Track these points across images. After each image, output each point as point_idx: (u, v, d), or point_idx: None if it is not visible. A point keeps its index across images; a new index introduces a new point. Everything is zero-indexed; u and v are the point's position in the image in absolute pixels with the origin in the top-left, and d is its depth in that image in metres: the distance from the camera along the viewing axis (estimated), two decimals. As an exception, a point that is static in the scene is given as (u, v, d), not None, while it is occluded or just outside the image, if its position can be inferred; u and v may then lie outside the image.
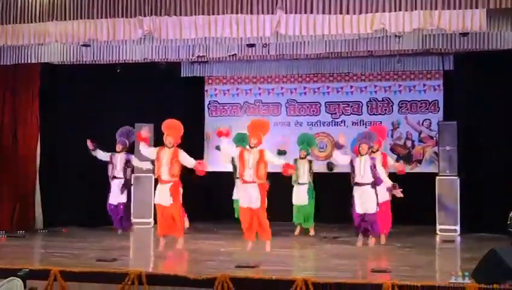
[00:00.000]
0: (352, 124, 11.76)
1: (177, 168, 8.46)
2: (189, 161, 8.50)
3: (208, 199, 11.68)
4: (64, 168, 11.01)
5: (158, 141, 9.16)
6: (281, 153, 10.09)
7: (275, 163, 8.42)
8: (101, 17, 7.48)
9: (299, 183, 10.10)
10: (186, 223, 8.89)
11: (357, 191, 8.83)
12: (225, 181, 10.47)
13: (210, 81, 12.50)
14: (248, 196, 8.19)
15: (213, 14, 7.25)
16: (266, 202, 8.25)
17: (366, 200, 8.74)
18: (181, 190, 8.57)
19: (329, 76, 11.97)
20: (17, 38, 8.04)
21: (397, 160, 10.74)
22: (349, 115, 11.80)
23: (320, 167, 10.47)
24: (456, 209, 10.13)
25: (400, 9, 6.92)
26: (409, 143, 11.56)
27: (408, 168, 10.28)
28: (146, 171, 10.81)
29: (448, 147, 10.29)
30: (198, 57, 9.91)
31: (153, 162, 8.99)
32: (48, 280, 6.54)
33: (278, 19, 7.32)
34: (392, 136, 11.51)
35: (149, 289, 6.43)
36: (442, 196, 10.23)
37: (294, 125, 11.96)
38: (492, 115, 10.25)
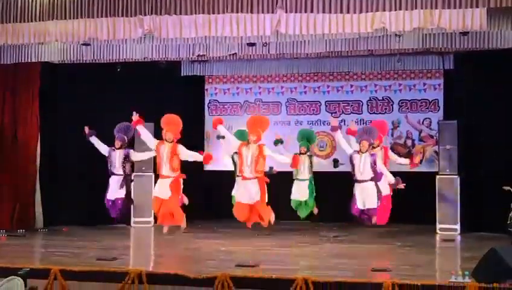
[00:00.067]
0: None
1: (176, 163, 8.57)
2: (190, 155, 8.56)
3: (208, 198, 11.67)
4: (64, 167, 11.01)
5: (158, 138, 9.19)
6: (278, 142, 10.08)
7: (275, 158, 8.45)
8: (101, 16, 7.48)
9: (299, 180, 10.09)
10: (184, 224, 8.94)
11: (357, 188, 8.86)
12: (225, 180, 10.47)
13: (210, 80, 12.50)
14: (248, 192, 8.23)
15: (213, 13, 7.25)
16: (266, 195, 8.27)
17: (367, 197, 8.77)
18: (181, 184, 8.65)
19: (330, 75, 11.97)
20: (17, 37, 8.04)
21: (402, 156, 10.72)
22: (350, 114, 11.79)
23: (320, 166, 10.44)
24: (456, 209, 10.13)
25: (400, 9, 6.92)
26: (409, 142, 11.55)
27: (408, 168, 10.27)
28: (146, 171, 10.84)
29: (448, 146, 10.29)
30: (198, 56, 9.91)
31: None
32: (48, 279, 6.55)
33: (278, 18, 7.32)
34: (392, 135, 11.50)
35: (149, 288, 6.44)
36: (442, 195, 10.23)
37: (294, 124, 11.95)
38: (493, 114, 10.24)
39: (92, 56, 9.70)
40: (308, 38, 8.56)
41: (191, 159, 8.80)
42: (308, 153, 10.15)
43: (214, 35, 7.82)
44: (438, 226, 10.19)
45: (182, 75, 12.15)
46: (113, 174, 9.46)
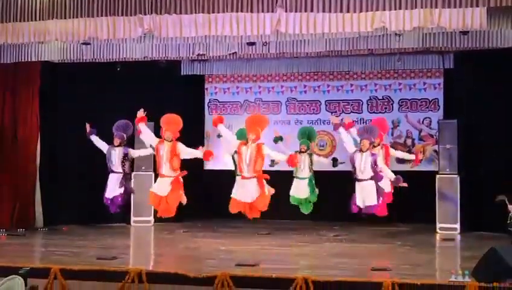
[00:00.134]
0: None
1: (176, 163, 8.59)
2: (190, 152, 8.57)
3: (208, 197, 11.67)
4: (64, 167, 11.01)
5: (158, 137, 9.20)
6: (277, 139, 10.07)
7: (273, 157, 8.45)
8: (101, 16, 7.47)
9: (299, 178, 10.07)
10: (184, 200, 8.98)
11: (357, 187, 8.85)
12: (225, 179, 10.45)
13: (210, 79, 12.49)
14: (246, 192, 8.22)
15: (213, 12, 7.24)
16: (267, 190, 8.26)
17: (367, 195, 8.77)
18: (182, 182, 8.66)
19: (330, 74, 11.97)
20: (17, 36, 8.04)
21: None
22: (350, 113, 11.77)
23: (320, 166, 10.44)
24: (456, 208, 10.13)
25: (400, 8, 6.91)
26: (409, 141, 11.55)
27: (408, 167, 10.28)
28: (146, 170, 10.84)
29: (448, 145, 10.29)
30: (198, 55, 9.91)
31: (151, 146, 9.08)
32: (48, 279, 6.55)
33: (278, 17, 7.32)
34: (392, 134, 11.50)
35: (149, 287, 6.44)
36: (442, 194, 10.23)
37: (294, 123, 11.95)
38: (493, 113, 10.24)
39: (92, 55, 9.70)
40: (308, 37, 8.56)
41: (191, 157, 8.82)
42: (308, 152, 10.13)
43: (214, 34, 7.82)
44: (438, 225, 10.19)
45: (182, 74, 12.15)
46: (113, 172, 9.32)
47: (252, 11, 7.17)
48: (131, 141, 9.95)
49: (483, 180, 10.24)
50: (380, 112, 11.62)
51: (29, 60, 9.51)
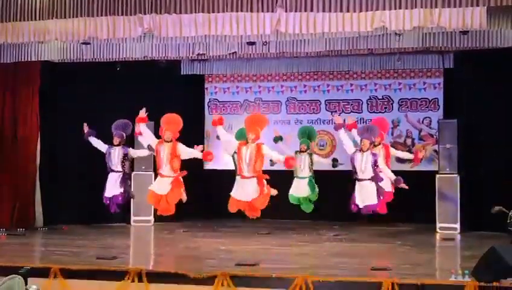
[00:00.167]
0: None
1: (177, 164, 8.59)
2: (190, 152, 8.57)
3: (208, 197, 11.67)
4: (64, 166, 11.01)
5: (158, 137, 9.19)
6: (277, 139, 10.06)
7: (272, 158, 8.44)
8: (101, 15, 7.47)
9: (299, 177, 10.07)
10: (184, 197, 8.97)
11: (357, 187, 8.85)
12: (225, 179, 10.45)
13: (210, 79, 12.49)
14: (246, 191, 8.21)
15: (213, 12, 7.24)
16: (265, 188, 8.25)
17: (367, 195, 8.76)
18: (182, 181, 8.66)
19: (330, 74, 11.96)
20: (17, 36, 8.03)
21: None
22: (349, 113, 11.76)
23: (320, 165, 10.44)
24: (456, 207, 10.13)
25: (400, 7, 6.91)
26: (409, 141, 11.55)
27: (408, 167, 10.28)
28: (146, 169, 10.84)
29: (448, 145, 10.29)
30: (198, 55, 9.91)
31: (149, 147, 9.09)
32: (48, 278, 6.55)
33: (278, 17, 7.32)
34: (392, 134, 11.49)
35: (149, 287, 6.44)
36: (442, 194, 10.23)
37: (294, 123, 11.95)
38: (493, 112, 10.24)
39: (92, 55, 9.70)
40: (308, 37, 8.56)
41: (191, 157, 8.82)
42: (308, 151, 10.13)
43: (213, 34, 7.82)
44: (438, 225, 10.19)
45: (182, 74, 12.15)
46: (112, 171, 9.27)
47: (251, 11, 7.17)
48: (131, 141, 9.94)
49: (483, 180, 10.24)
50: (379, 112, 11.61)
51: (29, 59, 9.52)
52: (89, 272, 6.69)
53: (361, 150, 8.82)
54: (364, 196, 8.76)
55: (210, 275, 6.35)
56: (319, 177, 10.22)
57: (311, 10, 7.07)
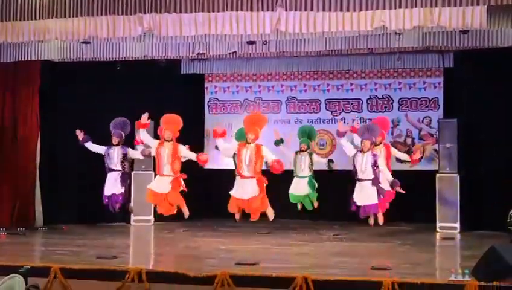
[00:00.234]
0: (353, 122, 11.67)
1: (178, 165, 8.56)
2: (190, 155, 8.56)
3: (208, 196, 11.67)
4: (64, 166, 11.01)
5: (157, 137, 9.18)
6: (279, 142, 10.06)
7: (269, 160, 8.39)
8: (101, 14, 7.46)
9: (299, 177, 10.07)
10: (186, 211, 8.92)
11: (357, 186, 8.84)
12: (225, 178, 10.45)
13: (210, 78, 12.49)
14: (245, 190, 8.19)
15: (213, 11, 7.24)
16: (264, 193, 8.23)
17: (367, 195, 8.75)
18: (182, 183, 8.62)
19: (329, 73, 11.96)
20: (17, 35, 8.03)
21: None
22: (349, 112, 11.79)
23: (320, 165, 10.44)
24: (456, 207, 10.13)
25: (400, 7, 6.91)
26: (409, 140, 11.55)
27: (408, 166, 10.28)
28: (146, 169, 10.84)
29: (448, 144, 10.29)
30: (198, 54, 9.91)
31: (144, 151, 9.03)
32: (48, 277, 6.55)
33: (278, 16, 7.32)
34: (392, 133, 11.48)
35: (149, 287, 6.44)
36: (442, 193, 10.23)
37: (294, 122, 11.94)
38: (493, 112, 10.24)
39: (92, 54, 9.70)
40: (308, 36, 8.55)
41: (187, 158, 8.79)
42: (308, 151, 10.13)
43: (213, 33, 7.83)
44: (438, 224, 10.19)
45: (182, 73, 12.14)
46: (112, 170, 9.18)
47: (251, 10, 7.17)
48: (131, 140, 9.93)
49: (483, 179, 10.25)
50: (379, 111, 11.61)
51: (29, 59, 9.52)
52: (89, 271, 6.69)
53: (361, 150, 8.81)
54: (365, 196, 8.76)
55: (210, 274, 6.35)
56: (319, 177, 10.22)
57: (311, 9, 7.06)
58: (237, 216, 8.60)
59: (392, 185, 8.94)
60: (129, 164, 9.36)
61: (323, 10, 7.06)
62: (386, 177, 8.94)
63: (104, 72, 10.93)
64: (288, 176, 10.11)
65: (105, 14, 7.47)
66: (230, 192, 8.55)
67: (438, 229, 10.14)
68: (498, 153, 10.13)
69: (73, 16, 7.53)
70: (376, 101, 11.75)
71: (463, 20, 7.14)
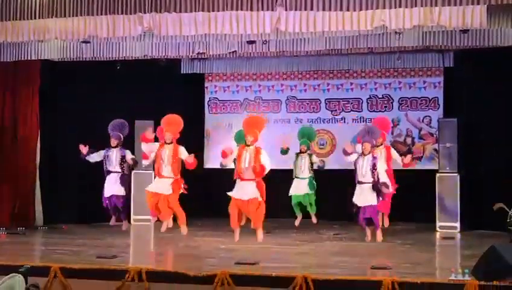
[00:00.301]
0: (352, 121, 11.76)
1: (178, 167, 8.47)
2: (186, 156, 8.52)
3: (208, 196, 11.67)
4: (64, 165, 11.00)
5: (156, 138, 9.15)
6: (285, 152, 10.03)
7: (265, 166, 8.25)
8: (101, 14, 7.46)
9: (299, 178, 10.06)
10: (170, 223, 8.82)
11: (357, 189, 8.80)
12: (225, 178, 10.47)
13: (210, 78, 12.49)
14: (243, 190, 8.13)
15: (213, 10, 7.24)
16: (264, 198, 8.17)
17: (366, 197, 8.72)
18: (182, 187, 8.55)
19: (330, 73, 11.97)
20: (16, 35, 8.03)
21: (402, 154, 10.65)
22: (349, 111, 11.80)
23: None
24: (456, 206, 10.13)
25: (400, 6, 6.90)
26: (409, 140, 11.55)
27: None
28: (146, 168, 10.83)
29: (448, 143, 10.29)
30: (198, 53, 9.91)
31: (133, 161, 9.09)
32: (48, 277, 6.55)
33: (278, 16, 7.32)
34: (392, 133, 11.49)
35: (149, 286, 6.44)
36: (442, 193, 10.23)
37: (294, 122, 11.95)
38: (493, 111, 10.24)
39: (92, 54, 9.70)
40: (308, 36, 8.55)
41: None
42: (308, 152, 10.13)
43: (213, 33, 7.83)
44: (438, 224, 10.20)
45: (182, 73, 12.15)
46: (110, 172, 9.18)
47: (251, 10, 7.17)
48: (131, 142, 9.91)
49: (483, 178, 10.25)
50: (379, 111, 11.62)
51: (29, 58, 9.52)
52: (89, 271, 6.69)
53: (362, 153, 8.76)
54: (364, 197, 8.72)
55: (210, 274, 6.35)
56: (319, 176, 10.22)
57: (311, 9, 7.06)
58: (236, 234, 8.46)
59: (380, 185, 8.76)
60: (128, 166, 9.33)
61: (323, 10, 7.06)
62: (380, 180, 8.84)
63: (104, 72, 10.93)
64: (288, 176, 10.10)
65: (105, 14, 7.46)
66: (229, 193, 8.46)
67: (438, 229, 10.14)
68: (498, 153, 10.13)
69: (73, 16, 7.53)
70: (376, 100, 11.75)
71: (463, 19, 7.13)
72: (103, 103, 11.02)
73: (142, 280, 6.45)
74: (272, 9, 7.13)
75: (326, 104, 11.96)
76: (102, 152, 9.20)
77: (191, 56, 10.69)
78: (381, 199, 8.77)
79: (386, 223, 9.25)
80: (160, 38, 8.87)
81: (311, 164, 10.11)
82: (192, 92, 12.37)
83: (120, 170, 9.19)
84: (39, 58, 9.64)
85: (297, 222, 10.26)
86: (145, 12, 7.40)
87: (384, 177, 8.76)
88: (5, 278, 4.81)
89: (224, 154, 8.70)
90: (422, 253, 8.23)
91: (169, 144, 8.47)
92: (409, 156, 9.57)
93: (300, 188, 10.06)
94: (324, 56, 11.27)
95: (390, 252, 8.47)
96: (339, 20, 7.33)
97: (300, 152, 10.10)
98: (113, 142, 9.20)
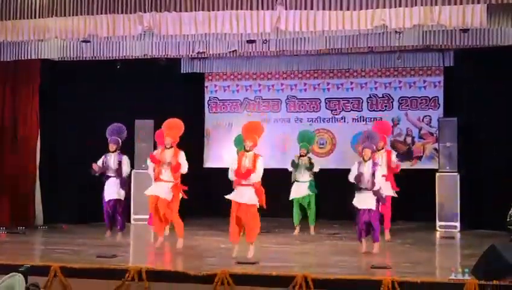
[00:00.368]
0: (353, 121, 11.76)
1: (178, 171, 8.40)
2: (184, 166, 8.43)
3: (207, 195, 11.66)
4: (64, 165, 11.00)
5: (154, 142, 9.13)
6: (297, 165, 9.87)
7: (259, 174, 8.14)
8: (101, 13, 7.46)
9: (299, 182, 10.04)
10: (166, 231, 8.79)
11: (357, 195, 8.70)
12: (225, 178, 10.43)
13: (210, 77, 12.49)
14: (241, 193, 8.04)
15: (213, 10, 7.24)
16: (262, 202, 8.04)
17: (365, 201, 8.66)
18: (182, 192, 8.51)
19: (330, 72, 11.97)
20: (17, 34, 8.04)
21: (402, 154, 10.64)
22: (350, 111, 11.80)
23: (320, 164, 10.40)
24: (456, 206, 10.13)
25: (400, 5, 6.90)
26: (409, 139, 11.55)
27: (408, 165, 10.27)
28: (146, 168, 10.81)
29: (448, 143, 10.29)
30: (198, 53, 9.90)
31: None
32: (48, 276, 6.55)
33: (278, 15, 7.31)
34: (392, 132, 11.47)
35: (149, 285, 6.44)
36: (442, 192, 10.23)
37: (294, 121, 11.95)
38: (493, 111, 10.24)
39: (92, 53, 9.70)
40: (308, 35, 8.55)
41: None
42: (308, 155, 10.10)
43: (213, 32, 7.82)
44: (438, 223, 10.20)
45: (182, 72, 12.15)
46: (109, 177, 9.20)
47: (251, 9, 7.17)
48: (131, 142, 9.88)
49: (483, 178, 10.25)
50: (380, 110, 11.62)
51: (29, 57, 9.52)
52: (89, 270, 6.69)
53: (363, 159, 8.69)
54: (364, 201, 8.65)
55: (210, 273, 6.35)
56: (319, 176, 10.21)
57: (311, 8, 7.06)
58: (235, 250, 8.37)
59: (375, 193, 8.65)
60: (126, 169, 9.32)
61: (323, 9, 7.06)
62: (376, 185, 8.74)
63: (104, 71, 10.92)
64: (288, 175, 10.09)
65: (105, 13, 7.46)
66: (226, 196, 8.35)
67: (437, 228, 10.14)
68: (498, 152, 10.14)
69: (73, 15, 7.53)
70: (376, 100, 11.75)
71: (463, 18, 7.13)
72: (103, 102, 11.02)
73: (142, 280, 6.46)
74: (272, 9, 7.12)
75: (326, 103, 11.96)
76: (101, 160, 9.24)
77: (191, 55, 10.69)
78: (381, 203, 8.71)
79: (387, 237, 9.15)
80: (160, 37, 8.86)
81: (310, 164, 10.04)
82: (192, 92, 12.37)
83: (118, 175, 9.18)
84: (39, 57, 9.64)
85: (296, 232, 10.13)
86: (145, 12, 7.40)
87: (381, 185, 8.64)
88: (5, 277, 4.80)
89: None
90: (422, 252, 8.23)
91: (169, 148, 8.41)
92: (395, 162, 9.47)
93: (300, 191, 10.02)
94: (324, 55, 11.27)
95: (390, 251, 8.47)
96: (339, 19, 7.33)
97: (300, 155, 10.08)
98: (112, 147, 9.22)
